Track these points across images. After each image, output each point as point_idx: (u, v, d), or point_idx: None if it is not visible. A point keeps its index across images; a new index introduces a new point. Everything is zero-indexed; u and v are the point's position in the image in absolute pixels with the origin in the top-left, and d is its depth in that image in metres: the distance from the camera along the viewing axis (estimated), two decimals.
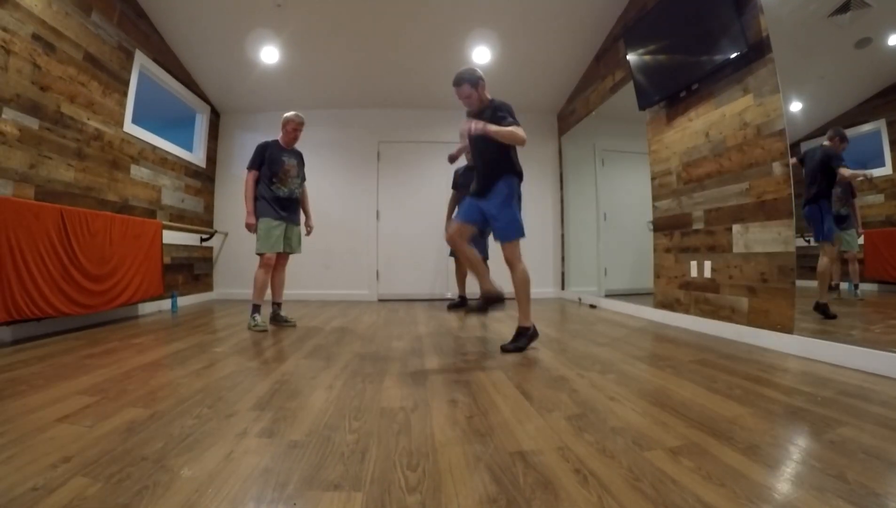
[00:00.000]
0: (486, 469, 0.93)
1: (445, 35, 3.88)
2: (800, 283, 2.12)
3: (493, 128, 1.99)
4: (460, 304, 3.94)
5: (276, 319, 2.92)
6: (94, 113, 2.95)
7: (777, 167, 2.17)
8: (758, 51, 2.23)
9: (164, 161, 3.83)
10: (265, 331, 2.69)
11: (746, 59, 2.30)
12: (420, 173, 4.87)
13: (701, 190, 2.72)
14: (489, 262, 3.34)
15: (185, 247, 4.15)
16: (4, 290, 2.12)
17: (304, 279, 4.60)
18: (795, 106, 2.41)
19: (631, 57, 3.19)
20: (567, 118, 4.87)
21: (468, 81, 2.09)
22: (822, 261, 2.33)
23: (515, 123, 2.03)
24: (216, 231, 4.55)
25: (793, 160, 2.12)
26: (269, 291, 2.85)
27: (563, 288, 4.98)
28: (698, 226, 2.75)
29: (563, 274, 5.00)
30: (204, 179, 4.56)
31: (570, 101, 4.78)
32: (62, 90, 2.67)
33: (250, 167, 2.79)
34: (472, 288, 4.03)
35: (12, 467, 0.91)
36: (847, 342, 1.85)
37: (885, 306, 2.31)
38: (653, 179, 3.22)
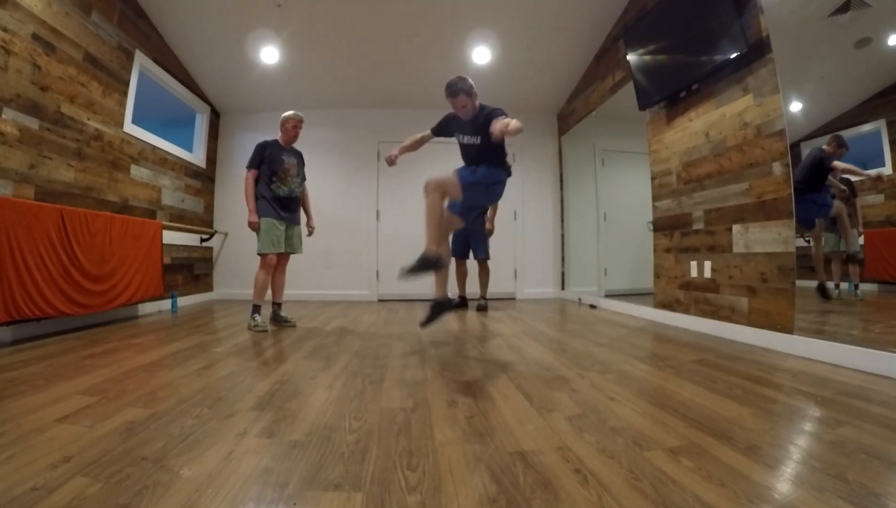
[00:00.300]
0: (486, 469, 0.93)
1: (446, 35, 3.88)
2: (800, 283, 2.12)
3: (514, 125, 1.94)
4: (460, 304, 3.95)
5: (277, 319, 2.92)
6: (94, 113, 2.95)
7: (777, 167, 2.17)
8: (758, 51, 2.23)
9: (164, 161, 3.83)
10: (265, 331, 2.69)
11: (746, 59, 2.30)
12: (420, 173, 4.79)
13: (701, 190, 2.72)
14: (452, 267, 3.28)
15: (185, 247, 4.15)
16: (4, 290, 2.12)
17: (304, 280, 4.60)
18: (795, 106, 2.41)
19: (631, 57, 3.19)
20: (567, 118, 4.87)
21: (464, 90, 2.08)
22: (814, 249, 2.45)
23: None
24: (216, 231, 4.55)
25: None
26: (269, 291, 2.85)
27: (563, 288, 4.98)
28: (698, 226, 2.75)
29: (563, 274, 5.00)
30: (204, 179, 4.56)
31: (570, 101, 4.78)
32: (62, 90, 2.67)
33: (250, 166, 2.79)
34: (472, 288, 4.03)
35: (12, 467, 0.91)
36: (847, 342, 1.84)
37: (885, 306, 2.31)
38: (653, 179, 3.22)
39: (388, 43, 3.96)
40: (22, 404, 1.30)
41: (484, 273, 3.91)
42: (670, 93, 2.89)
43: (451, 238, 2.95)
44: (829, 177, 2.38)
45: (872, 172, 2.24)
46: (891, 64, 2.12)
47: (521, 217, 4.94)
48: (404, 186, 4.84)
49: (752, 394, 1.43)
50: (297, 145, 2.97)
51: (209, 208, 4.68)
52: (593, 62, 4.19)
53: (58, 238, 2.45)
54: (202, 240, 4.41)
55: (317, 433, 1.12)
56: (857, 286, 2.39)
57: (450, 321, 3.23)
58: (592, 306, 4.03)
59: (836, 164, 2.34)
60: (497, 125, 1.86)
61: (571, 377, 1.66)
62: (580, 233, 4.68)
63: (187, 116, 4.55)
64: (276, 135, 2.91)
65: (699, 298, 2.74)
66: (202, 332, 2.66)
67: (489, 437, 1.10)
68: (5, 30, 2.28)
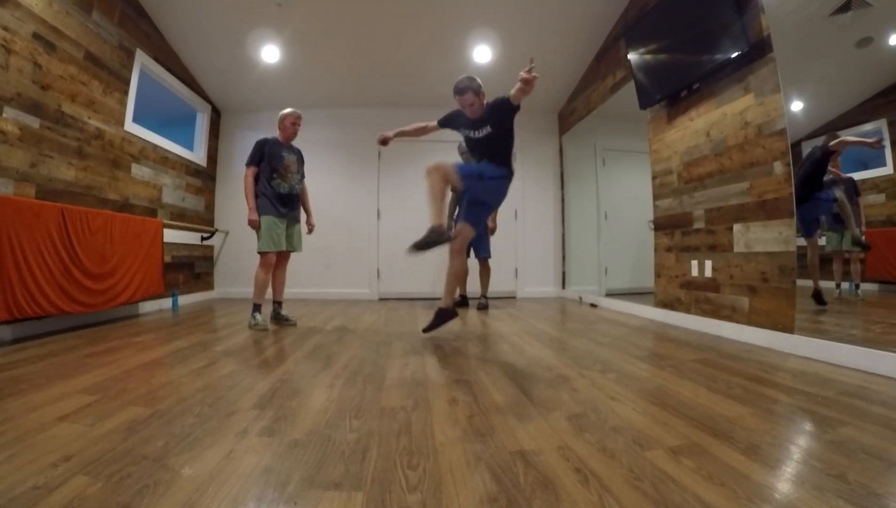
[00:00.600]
0: (487, 469, 0.93)
1: (446, 35, 3.88)
2: (800, 282, 2.12)
3: (523, 76, 1.97)
4: (460, 303, 3.94)
5: (277, 318, 2.92)
6: (94, 112, 2.95)
7: (778, 167, 2.16)
8: (759, 50, 2.23)
9: (164, 160, 3.83)
10: (266, 330, 2.69)
11: (747, 59, 2.29)
12: (421, 172, 4.82)
13: (702, 189, 2.71)
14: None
15: (186, 246, 4.16)
16: (5, 288, 2.12)
17: (304, 278, 4.60)
18: (796, 105, 2.40)
19: (632, 56, 3.18)
20: (568, 117, 4.87)
21: (472, 89, 2.15)
22: (810, 255, 2.45)
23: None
24: (217, 230, 4.55)
25: None
26: (269, 289, 2.85)
27: (563, 287, 4.98)
28: (699, 225, 2.75)
29: (563, 273, 5.00)
30: (205, 177, 4.56)
31: (570, 100, 4.77)
32: (63, 89, 2.67)
33: (249, 163, 2.78)
34: (473, 288, 4.04)
35: (13, 466, 0.91)
36: (848, 341, 1.84)
37: (885, 306, 2.31)
38: (653, 178, 3.22)
39: (389, 42, 3.95)
40: (23, 402, 1.31)
41: (485, 272, 3.92)
42: (671, 92, 2.88)
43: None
44: (829, 168, 2.36)
45: (870, 138, 2.23)
46: (892, 63, 2.12)
47: (521, 216, 4.94)
48: (405, 185, 4.84)
49: (752, 394, 1.43)
50: (298, 144, 2.97)
51: (210, 206, 4.68)
52: (594, 61, 4.18)
53: (59, 237, 2.46)
54: (203, 239, 4.41)
55: (317, 433, 1.12)
56: (857, 286, 2.38)
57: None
58: (593, 306, 4.03)
59: (835, 143, 2.33)
60: (513, 92, 1.91)
61: (572, 376, 1.66)
62: (581, 232, 4.68)
63: (188, 115, 4.55)
64: (276, 134, 2.91)
65: (700, 297, 2.73)
66: (203, 331, 2.66)
67: (490, 436, 1.10)
68: (6, 29, 2.28)
